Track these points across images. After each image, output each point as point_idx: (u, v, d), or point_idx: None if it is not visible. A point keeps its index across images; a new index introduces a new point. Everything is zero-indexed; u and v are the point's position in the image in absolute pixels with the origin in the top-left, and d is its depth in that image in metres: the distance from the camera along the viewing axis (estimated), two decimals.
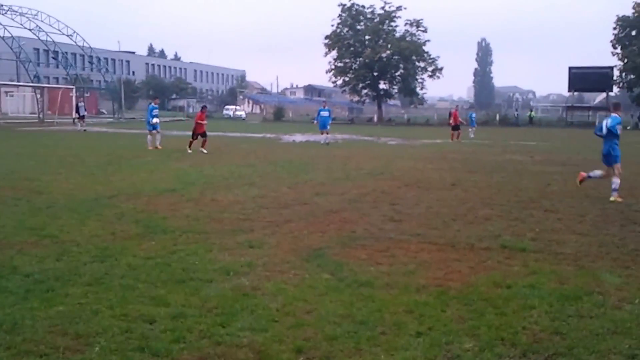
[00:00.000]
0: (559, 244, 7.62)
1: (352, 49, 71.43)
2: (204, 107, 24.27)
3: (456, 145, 29.19)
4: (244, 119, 74.16)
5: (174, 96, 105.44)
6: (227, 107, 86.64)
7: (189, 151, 21.22)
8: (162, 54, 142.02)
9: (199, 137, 21.88)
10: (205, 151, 21.24)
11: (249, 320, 4.84)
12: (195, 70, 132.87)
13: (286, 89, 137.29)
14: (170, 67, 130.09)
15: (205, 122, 22.12)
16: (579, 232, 8.35)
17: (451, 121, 32.99)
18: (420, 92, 74.21)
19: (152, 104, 24.28)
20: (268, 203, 10.64)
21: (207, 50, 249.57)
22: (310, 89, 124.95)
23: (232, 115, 77.46)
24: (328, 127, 28.18)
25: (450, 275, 6.16)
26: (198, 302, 5.25)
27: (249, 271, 6.26)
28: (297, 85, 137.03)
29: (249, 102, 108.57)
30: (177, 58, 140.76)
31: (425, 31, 71.21)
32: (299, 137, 34.43)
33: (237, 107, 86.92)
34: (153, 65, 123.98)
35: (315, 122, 30.27)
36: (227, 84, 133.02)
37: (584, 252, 7.17)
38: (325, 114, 28.27)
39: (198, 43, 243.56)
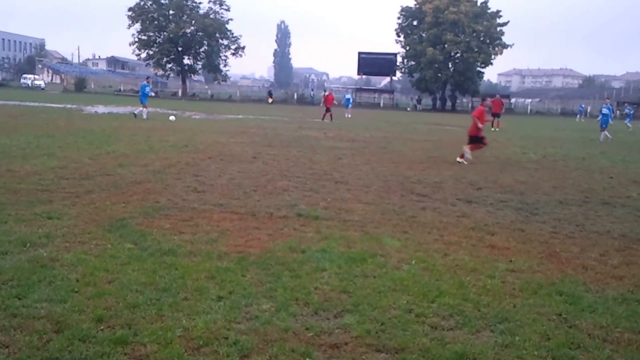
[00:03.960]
0: (348, 212, 8.25)
1: (156, 22, 70.35)
2: (485, 100, 17.68)
3: (257, 121, 29.70)
4: (43, 89, 69.89)
5: None
6: (25, 76, 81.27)
7: (468, 158, 15.02)
8: None
9: (477, 142, 15.38)
10: (462, 161, 14.88)
11: (46, 291, 4.65)
12: None
13: (88, 59, 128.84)
14: None
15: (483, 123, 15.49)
16: (365, 202, 9.11)
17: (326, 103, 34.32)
18: (224, 69, 75.35)
19: None
20: (68, 174, 10.12)
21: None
22: (113, 61, 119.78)
23: (30, 85, 73.43)
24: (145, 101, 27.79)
25: (251, 242, 6.37)
26: None
27: (47, 242, 5.96)
28: (99, 57, 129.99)
29: (48, 72, 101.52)
30: None
31: (228, 10, 72.38)
32: (101, 109, 32.80)
33: (36, 77, 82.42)
34: None
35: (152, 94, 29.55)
36: (25, 53, 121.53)
37: (369, 219, 7.85)
38: (148, 89, 28.33)
39: None
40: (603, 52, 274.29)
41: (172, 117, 26.65)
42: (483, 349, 4.04)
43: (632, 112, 45.11)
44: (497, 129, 30.23)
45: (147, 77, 32.68)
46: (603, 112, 26.81)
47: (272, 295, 4.84)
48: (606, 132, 25.86)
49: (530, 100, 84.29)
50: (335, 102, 35.31)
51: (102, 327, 4.08)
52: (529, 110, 71.86)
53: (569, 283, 5.50)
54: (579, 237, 7.42)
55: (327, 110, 33.40)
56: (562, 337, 4.29)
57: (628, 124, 40.03)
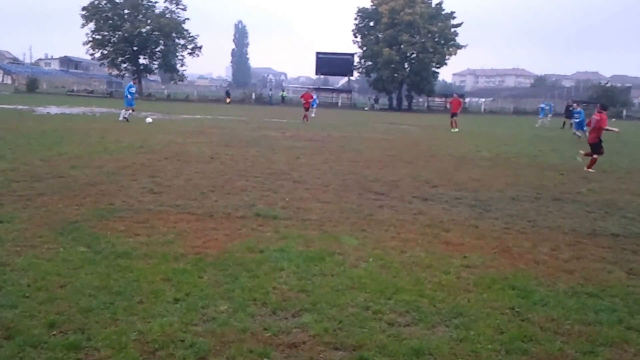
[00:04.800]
0: (306, 211, 8.28)
1: (110, 22, 69.31)
2: (605, 108, 16.19)
3: (215, 121, 29.46)
4: None
5: None
6: None
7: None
8: None
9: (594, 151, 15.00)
10: (591, 170, 14.51)
11: None
12: None
13: (40, 59, 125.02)
14: None
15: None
16: (323, 201, 9.15)
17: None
18: (181, 68, 74.50)
19: None
20: (19, 176, 9.87)
21: None
22: (66, 61, 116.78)
23: None
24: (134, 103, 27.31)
25: (208, 243, 6.33)
26: None
27: None
28: (52, 57, 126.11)
29: None
30: None
31: (184, 9, 71.76)
32: (54, 109, 32.06)
33: None
34: None
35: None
36: None
37: (327, 218, 7.89)
38: (133, 90, 27.55)
39: None
40: (554, 52, 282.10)
41: (149, 119, 25.81)
42: (438, 343, 4.12)
43: (549, 107, 45.88)
44: (455, 129, 30.20)
45: (135, 79, 32.54)
46: (575, 117, 27.05)
47: (229, 296, 4.82)
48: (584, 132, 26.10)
49: (484, 99, 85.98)
50: (303, 100, 34.71)
51: (54, 333, 4.00)
52: (482, 110, 73.30)
53: (521, 277, 5.65)
54: (530, 233, 7.62)
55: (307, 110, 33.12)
56: (515, 330, 4.40)
57: (539, 120, 40.58)
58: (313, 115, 38.52)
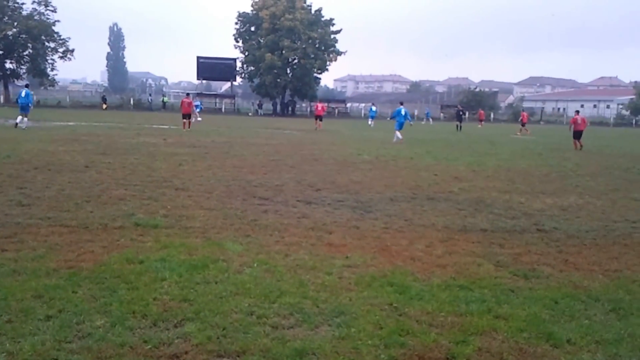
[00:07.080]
0: (189, 218, 8.12)
1: None
2: None
3: (90, 128, 28.07)
4: None
5: None
6: None
7: None
8: None
9: None
10: None
11: None
12: None
13: None
14: None
15: None
16: (206, 207, 9.01)
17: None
18: (51, 73, 69.80)
19: None
20: None
21: None
22: None
23: None
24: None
25: (83, 256, 6.02)
26: None
27: None
28: None
29: None
30: None
31: (54, 11, 67.29)
32: None
33: None
34: None
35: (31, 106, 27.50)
36: None
37: (211, 225, 7.79)
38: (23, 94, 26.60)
39: None
40: (427, 58, 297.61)
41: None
42: (321, 343, 4.20)
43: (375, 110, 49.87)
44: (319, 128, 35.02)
45: (27, 84, 30.37)
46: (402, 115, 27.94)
47: (106, 310, 4.61)
48: (397, 133, 27.00)
49: (364, 104, 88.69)
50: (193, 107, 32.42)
51: None
52: (362, 114, 75.68)
53: (398, 274, 5.90)
54: (407, 231, 7.98)
55: (186, 117, 29.96)
56: (393, 325, 4.59)
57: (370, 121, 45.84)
58: (199, 119, 37.90)
